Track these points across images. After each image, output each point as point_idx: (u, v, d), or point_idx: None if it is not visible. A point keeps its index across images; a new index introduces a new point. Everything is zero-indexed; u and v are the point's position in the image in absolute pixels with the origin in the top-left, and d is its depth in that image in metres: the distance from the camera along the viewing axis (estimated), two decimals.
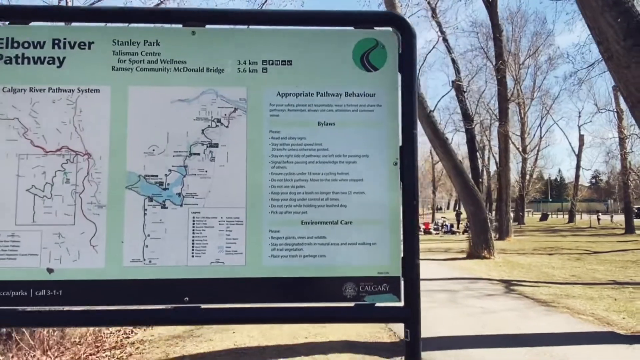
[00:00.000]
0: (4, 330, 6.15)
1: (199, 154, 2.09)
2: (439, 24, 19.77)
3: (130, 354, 5.65)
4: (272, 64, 2.10)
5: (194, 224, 2.07)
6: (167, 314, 2.07)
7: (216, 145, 2.09)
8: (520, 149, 38.64)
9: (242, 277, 2.06)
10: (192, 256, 2.07)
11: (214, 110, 2.06)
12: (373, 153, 2.14)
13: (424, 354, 4.72)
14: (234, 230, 2.08)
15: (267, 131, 2.08)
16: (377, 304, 2.12)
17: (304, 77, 2.10)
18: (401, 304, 2.11)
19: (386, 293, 2.10)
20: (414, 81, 2.10)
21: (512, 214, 29.10)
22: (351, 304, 2.10)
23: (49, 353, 5.99)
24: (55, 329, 7.34)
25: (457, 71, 22.31)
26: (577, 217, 47.09)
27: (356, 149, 2.14)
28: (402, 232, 2.11)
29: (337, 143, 2.13)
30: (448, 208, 76.86)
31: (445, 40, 21.43)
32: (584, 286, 9.12)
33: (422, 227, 32.73)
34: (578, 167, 44.46)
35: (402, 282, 2.11)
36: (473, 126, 23.98)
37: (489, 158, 45.41)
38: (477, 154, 37.76)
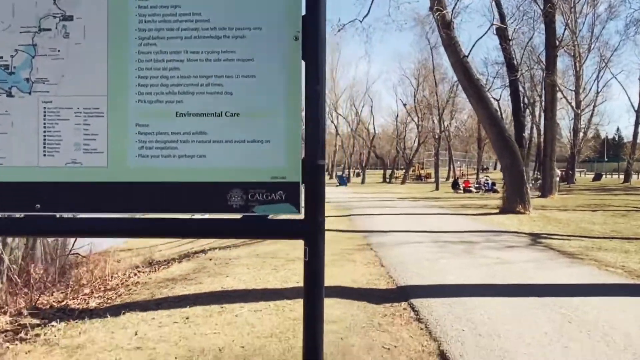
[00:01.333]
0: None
1: (50, 30, 1.69)
2: None
3: (120, 295, 5.55)
4: None
5: (45, 115, 1.69)
6: (12, 224, 1.74)
7: (70, 18, 1.68)
8: (574, 104, 36.22)
9: (103, 181, 1.68)
10: (44, 155, 1.70)
11: None
12: (267, 24, 1.67)
13: (420, 301, 4.25)
14: (93, 124, 1.69)
15: None
16: (271, 216, 1.70)
17: None
18: (301, 216, 1.68)
19: (282, 202, 1.67)
20: None
21: (558, 171, 27.54)
22: (238, 216, 1.69)
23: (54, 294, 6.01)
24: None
25: (501, 16, 20.65)
26: (634, 177, 44.19)
27: (245, 20, 1.68)
28: (303, 125, 1.66)
29: (220, 12, 1.68)
30: (495, 168, 74.19)
31: None
32: (622, 240, 8.31)
33: (462, 185, 31.66)
34: (637, 123, 41.31)
35: (302, 190, 1.67)
36: (518, 76, 22.38)
37: (539, 115, 42.92)
38: (526, 109, 35.74)
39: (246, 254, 7.62)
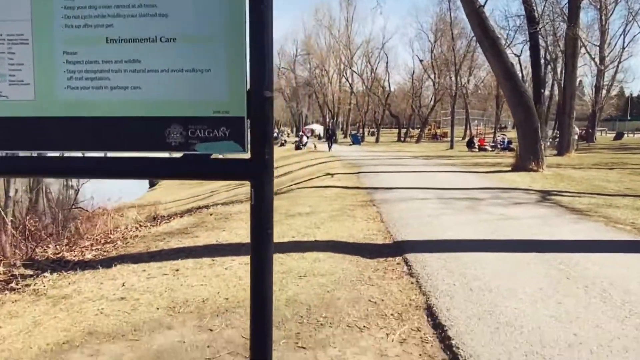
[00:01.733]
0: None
1: None
2: None
3: (117, 248, 5.55)
4: None
5: None
6: None
7: None
8: (597, 60, 34.76)
9: (30, 115, 1.54)
10: None
11: None
12: None
13: (414, 256, 4.12)
14: (17, 53, 1.53)
15: None
16: (214, 156, 1.55)
17: None
18: (246, 155, 1.52)
19: (225, 140, 1.51)
20: None
21: (577, 129, 26.78)
22: (178, 155, 1.55)
23: (53, 246, 6.04)
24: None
25: None
26: None
27: None
28: (248, 52, 1.48)
29: None
30: (513, 127, 72.56)
31: None
32: (635, 198, 8.02)
33: (477, 143, 31.09)
34: None
35: (247, 126, 1.51)
36: (538, 29, 21.40)
37: (561, 72, 41.37)
38: (547, 65, 34.43)
39: (246, 210, 7.54)
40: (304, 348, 2.74)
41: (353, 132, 53.10)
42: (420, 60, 48.85)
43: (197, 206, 9.61)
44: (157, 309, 3.35)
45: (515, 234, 5.30)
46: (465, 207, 7.07)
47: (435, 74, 46.95)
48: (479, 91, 55.96)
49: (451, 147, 32.12)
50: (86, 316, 3.25)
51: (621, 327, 2.84)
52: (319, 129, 62.63)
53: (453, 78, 41.29)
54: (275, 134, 61.68)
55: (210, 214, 7.38)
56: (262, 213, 1.52)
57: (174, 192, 23.82)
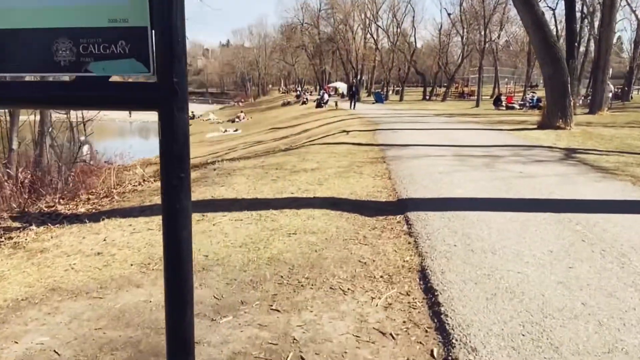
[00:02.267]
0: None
1: None
2: None
3: (112, 202, 5.39)
4: None
5: None
6: None
7: None
8: (638, 13, 32.59)
9: None
10: None
11: None
12: None
13: (417, 214, 3.78)
14: None
15: None
16: (113, 78, 1.23)
17: None
18: (152, 77, 1.19)
19: (125, 57, 1.18)
20: None
21: (612, 87, 25.39)
22: (66, 77, 1.23)
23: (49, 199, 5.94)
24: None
25: None
26: None
27: None
28: None
29: None
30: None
31: None
32: None
33: (505, 101, 29.93)
34: None
35: (151, 39, 1.17)
36: None
37: (599, 25, 39.00)
38: (584, 19, 32.45)
39: (252, 165, 7.30)
40: (277, 311, 2.50)
41: (376, 90, 51.88)
42: (449, 14, 46.85)
43: (205, 162, 9.42)
44: (131, 265, 3.14)
45: (532, 193, 4.89)
46: (481, 165, 6.64)
47: (463, 28, 44.99)
48: (510, 47, 53.58)
49: (477, 105, 31.02)
50: (55, 271, 3.07)
51: (639, 296, 2.49)
52: (342, 86, 61.47)
53: (482, 32, 39.50)
54: (298, 92, 61.06)
55: (214, 169, 7.15)
56: (173, 152, 1.20)
57: (194, 148, 23.82)
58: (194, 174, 6.90)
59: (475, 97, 43.76)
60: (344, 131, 13.06)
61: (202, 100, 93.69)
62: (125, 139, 40.86)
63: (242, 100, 79.11)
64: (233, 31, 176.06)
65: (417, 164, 6.76)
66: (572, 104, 12.65)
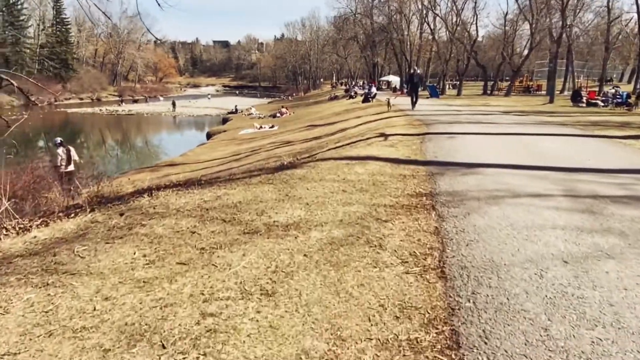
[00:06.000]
0: None
1: None
2: None
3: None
4: None
5: None
6: None
7: None
8: None
9: None
10: None
11: None
12: None
13: None
14: None
15: None
16: None
17: None
18: None
19: None
20: None
21: None
22: None
23: None
24: None
25: None
26: None
27: None
28: None
29: None
30: (621, 79, 62.00)
31: None
32: None
33: (585, 97, 25.21)
34: None
35: None
36: None
37: None
38: None
39: (195, 205, 4.08)
40: None
41: (431, 84, 47.56)
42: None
43: (151, 187, 6.34)
44: None
45: None
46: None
47: (533, 15, 39.88)
48: (581, 38, 47.73)
49: (550, 101, 26.34)
50: None
51: None
52: (395, 80, 57.41)
53: (556, 17, 34.49)
54: (347, 86, 57.59)
55: (124, 212, 4.02)
56: None
57: (215, 149, 21.12)
58: (100, 217, 3.79)
59: (543, 92, 38.75)
60: (382, 135, 9.64)
61: (252, 93, 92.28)
62: (166, 134, 39.35)
63: (293, 94, 76.67)
64: (286, 24, 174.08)
65: (500, 222, 3.32)
66: None
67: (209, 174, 7.34)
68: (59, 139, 11.53)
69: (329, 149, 9.09)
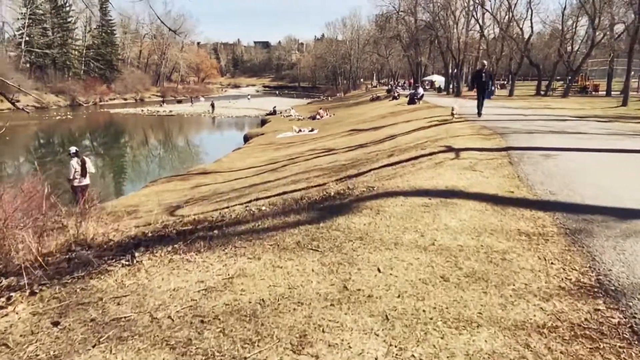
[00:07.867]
0: None
1: None
2: None
3: None
4: None
5: None
6: None
7: None
8: None
9: None
10: None
11: None
12: None
13: None
14: None
15: None
16: None
17: None
18: None
19: None
20: None
21: None
22: None
23: None
24: None
25: None
26: None
27: None
28: None
29: None
30: None
31: None
32: None
33: None
34: None
35: None
36: None
37: None
38: None
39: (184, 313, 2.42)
40: None
41: None
42: None
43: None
44: None
45: None
46: None
47: (595, 8, 36.53)
48: None
49: (624, 103, 23.37)
50: None
51: None
52: (439, 80, 54.73)
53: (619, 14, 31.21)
54: (390, 87, 55.28)
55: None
56: None
57: (251, 155, 19.57)
58: (27, 319, 2.12)
59: (606, 92, 35.72)
60: (449, 148, 7.73)
61: (292, 94, 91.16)
62: (205, 135, 38.50)
63: (333, 94, 74.90)
64: (327, 24, 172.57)
65: None
66: None
67: (236, 200, 5.67)
68: (74, 149, 10.17)
69: (383, 166, 7.27)
